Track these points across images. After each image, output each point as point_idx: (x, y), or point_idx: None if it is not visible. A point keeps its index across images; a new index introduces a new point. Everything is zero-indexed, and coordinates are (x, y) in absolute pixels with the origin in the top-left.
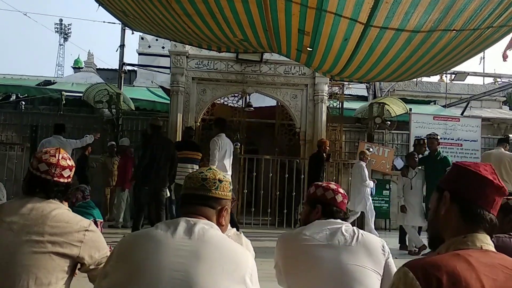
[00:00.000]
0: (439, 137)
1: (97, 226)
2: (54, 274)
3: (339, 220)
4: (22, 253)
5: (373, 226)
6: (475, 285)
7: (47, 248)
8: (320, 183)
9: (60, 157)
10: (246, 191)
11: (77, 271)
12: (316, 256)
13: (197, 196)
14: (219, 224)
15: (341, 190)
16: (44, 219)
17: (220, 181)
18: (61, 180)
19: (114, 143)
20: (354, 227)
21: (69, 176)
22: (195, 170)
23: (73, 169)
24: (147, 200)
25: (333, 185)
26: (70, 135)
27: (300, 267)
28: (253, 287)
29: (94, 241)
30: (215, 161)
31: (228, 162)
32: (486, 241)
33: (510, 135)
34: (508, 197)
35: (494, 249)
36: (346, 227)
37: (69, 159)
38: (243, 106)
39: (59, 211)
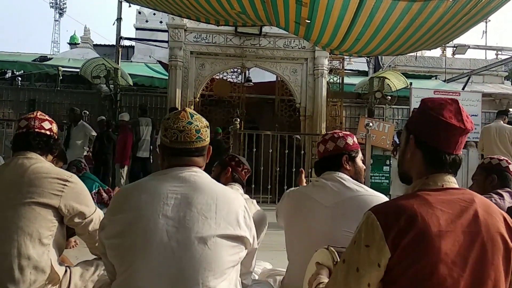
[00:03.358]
0: None
1: (106, 193)
2: (37, 223)
3: (343, 175)
4: (4, 206)
5: None
6: (431, 220)
7: (26, 198)
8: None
9: (38, 114)
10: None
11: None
12: (311, 218)
13: (193, 149)
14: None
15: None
16: (23, 172)
17: (207, 126)
18: (42, 131)
19: (104, 117)
20: (357, 186)
21: (50, 129)
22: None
23: (54, 124)
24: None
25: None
26: (67, 111)
27: (296, 227)
28: (247, 228)
29: (75, 192)
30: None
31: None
32: (448, 180)
33: (511, 109)
34: (499, 158)
35: (456, 186)
36: (347, 184)
37: (48, 117)
38: (243, 81)
39: (38, 164)
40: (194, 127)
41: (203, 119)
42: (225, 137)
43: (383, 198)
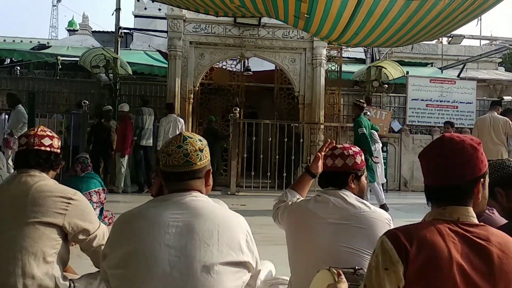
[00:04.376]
0: (363, 103)
1: (104, 194)
2: (41, 242)
3: (346, 192)
4: (7, 226)
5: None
6: (442, 250)
7: (30, 218)
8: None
9: (38, 130)
10: (246, 155)
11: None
12: (313, 234)
13: (183, 173)
14: (206, 185)
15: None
16: (27, 191)
17: (201, 150)
18: (42, 148)
19: (111, 107)
20: (360, 203)
21: (50, 145)
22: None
23: (55, 139)
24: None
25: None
26: (67, 100)
27: (298, 242)
28: (249, 252)
29: (79, 209)
30: (160, 136)
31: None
32: (465, 213)
33: (505, 97)
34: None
35: (474, 221)
36: (350, 201)
37: (50, 131)
38: (242, 70)
39: (42, 182)
40: (182, 151)
41: (198, 143)
42: (225, 125)
43: (385, 215)
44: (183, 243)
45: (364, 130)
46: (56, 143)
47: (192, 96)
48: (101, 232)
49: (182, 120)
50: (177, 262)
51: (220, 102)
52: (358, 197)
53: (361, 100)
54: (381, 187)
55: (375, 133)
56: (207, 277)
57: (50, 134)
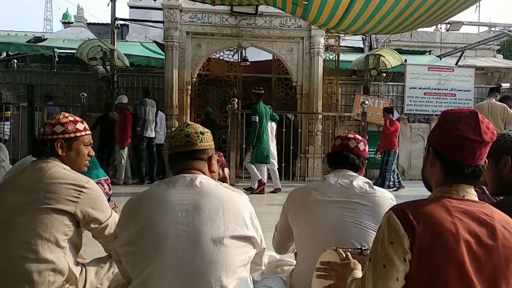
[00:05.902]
0: (260, 90)
1: (107, 184)
2: (53, 228)
3: (353, 173)
4: (21, 211)
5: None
6: (449, 226)
7: (43, 204)
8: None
9: (56, 118)
10: (245, 146)
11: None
12: (320, 211)
13: (185, 152)
14: (211, 171)
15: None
16: (41, 177)
17: (202, 133)
18: (54, 136)
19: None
20: (368, 184)
21: (64, 131)
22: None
23: (69, 124)
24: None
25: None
26: (64, 92)
27: (305, 220)
28: (253, 229)
29: (91, 198)
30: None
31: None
32: (469, 191)
33: (503, 84)
34: None
35: (477, 199)
36: (358, 181)
37: (64, 117)
38: (239, 60)
39: (55, 169)
40: (184, 133)
41: (199, 127)
42: (223, 116)
43: (389, 195)
44: (190, 219)
45: (257, 118)
46: (71, 127)
47: (189, 87)
48: (113, 221)
49: (164, 115)
50: (185, 236)
51: (218, 93)
52: (365, 179)
53: (258, 87)
54: (276, 171)
55: (272, 123)
56: (215, 250)
57: (62, 121)
